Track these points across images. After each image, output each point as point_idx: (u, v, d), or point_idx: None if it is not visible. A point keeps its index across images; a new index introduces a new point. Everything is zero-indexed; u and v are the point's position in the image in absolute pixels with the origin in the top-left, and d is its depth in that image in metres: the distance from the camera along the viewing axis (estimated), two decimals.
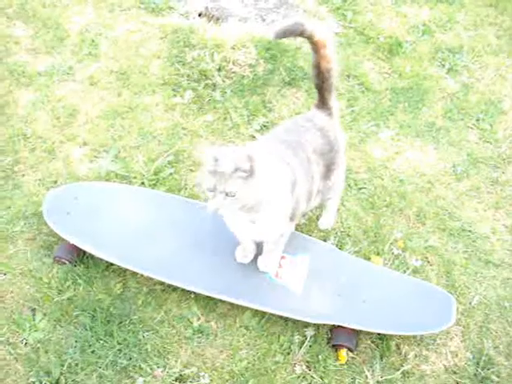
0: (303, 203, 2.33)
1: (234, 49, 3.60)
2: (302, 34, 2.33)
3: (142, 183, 2.96)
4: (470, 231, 3.01)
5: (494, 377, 2.52)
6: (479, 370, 2.53)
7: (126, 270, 2.61)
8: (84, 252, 2.61)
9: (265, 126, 3.31)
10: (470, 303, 2.74)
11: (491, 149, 3.45)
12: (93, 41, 3.73)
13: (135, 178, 2.98)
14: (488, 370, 2.53)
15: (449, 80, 3.86)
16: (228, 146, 2.00)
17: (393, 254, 2.83)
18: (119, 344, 2.43)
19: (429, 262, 2.85)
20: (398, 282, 2.65)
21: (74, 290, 2.58)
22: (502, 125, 3.60)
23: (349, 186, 3.09)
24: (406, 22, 4.22)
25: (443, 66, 3.95)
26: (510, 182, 3.28)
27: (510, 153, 3.45)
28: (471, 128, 3.56)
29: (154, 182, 2.97)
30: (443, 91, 3.76)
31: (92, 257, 2.61)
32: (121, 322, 2.49)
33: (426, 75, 3.85)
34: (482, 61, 4.05)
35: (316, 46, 2.37)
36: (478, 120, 3.60)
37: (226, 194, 1.97)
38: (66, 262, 2.62)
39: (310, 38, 2.35)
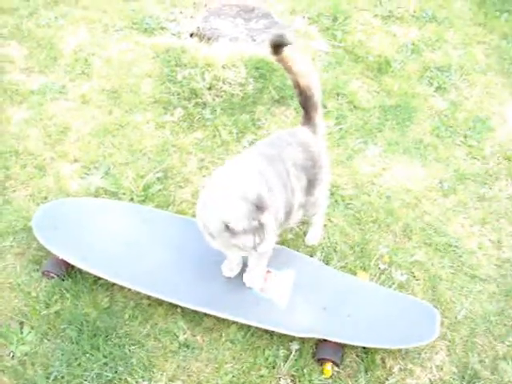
0: (281, 215, 2.35)
1: (224, 68, 3.66)
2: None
3: (131, 199, 2.99)
4: (456, 246, 3.03)
5: None
6: (464, 383, 2.54)
7: (113, 285, 2.63)
8: (72, 266, 2.63)
9: (254, 144, 3.34)
10: (456, 317, 2.75)
11: (478, 165, 3.49)
12: (86, 60, 3.79)
13: (124, 194, 3.01)
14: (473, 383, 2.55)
15: (437, 98, 3.91)
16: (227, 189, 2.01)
17: (379, 268, 2.85)
18: (105, 357, 2.44)
19: (415, 276, 2.87)
20: (384, 297, 2.67)
21: (62, 303, 2.59)
22: (490, 141, 3.65)
23: (336, 201, 3.12)
24: (395, 42, 4.29)
25: (431, 84, 4.01)
26: (496, 198, 3.31)
27: (497, 169, 3.49)
28: (459, 145, 3.60)
29: (142, 198, 3.00)
30: (431, 109, 3.81)
31: (80, 271, 2.64)
32: (107, 336, 2.51)
33: (415, 93, 3.90)
34: (471, 79, 4.11)
35: (284, 63, 2.45)
36: (465, 137, 3.65)
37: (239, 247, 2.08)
38: (55, 276, 2.65)
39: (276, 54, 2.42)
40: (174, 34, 4.05)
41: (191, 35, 4.03)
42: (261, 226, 2.01)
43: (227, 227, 2.01)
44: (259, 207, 1.99)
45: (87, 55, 3.84)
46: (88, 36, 3.99)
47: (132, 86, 3.64)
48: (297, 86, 2.47)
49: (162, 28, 4.11)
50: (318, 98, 2.52)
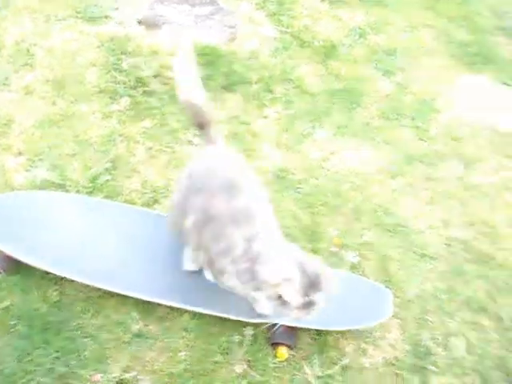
0: None
1: (170, 55, 3.62)
2: None
3: (78, 191, 2.93)
4: (405, 226, 3.08)
5: (431, 367, 2.58)
6: (417, 360, 2.58)
7: (62, 278, 2.57)
8: (20, 261, 2.58)
9: None
10: (407, 296, 2.79)
11: (426, 146, 3.55)
12: (28, 51, 3.69)
13: (71, 185, 2.95)
14: (426, 360, 2.59)
15: (384, 81, 3.96)
16: None
17: (330, 251, 2.88)
18: (57, 352, 2.40)
19: (365, 257, 2.91)
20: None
21: (11, 299, 2.53)
22: (436, 123, 3.71)
23: (286, 186, 3.13)
24: (341, 26, 4.32)
25: (378, 67, 4.04)
26: (444, 178, 3.37)
27: (445, 150, 3.55)
28: (406, 127, 3.65)
29: (90, 190, 2.95)
30: (378, 92, 3.86)
31: (28, 266, 2.58)
32: (58, 330, 2.46)
33: (362, 77, 3.94)
34: (417, 62, 4.16)
35: None
36: (412, 119, 3.70)
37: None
38: (2, 272, 2.59)
39: None
40: (118, 23, 3.97)
41: (139, 23, 3.96)
42: (311, 303, 1.99)
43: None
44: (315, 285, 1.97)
45: (30, 46, 3.73)
46: (31, 26, 3.88)
47: (77, 76, 3.56)
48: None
49: (107, 16, 4.02)
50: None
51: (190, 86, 2.28)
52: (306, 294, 1.95)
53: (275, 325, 2.49)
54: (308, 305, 1.98)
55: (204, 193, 2.12)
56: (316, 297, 1.97)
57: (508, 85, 4.18)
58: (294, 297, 1.95)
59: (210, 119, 2.32)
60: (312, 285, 1.95)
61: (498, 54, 4.45)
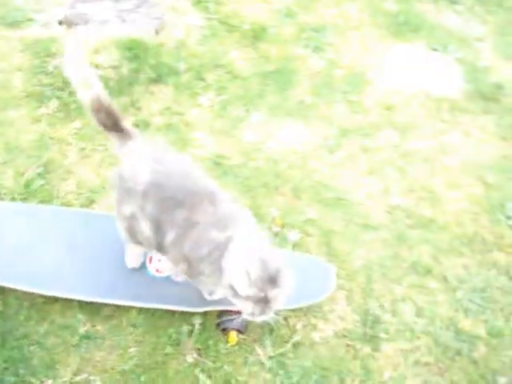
0: None
1: (95, 53, 3.58)
2: None
3: (13, 198, 2.88)
4: (345, 199, 3.10)
5: (382, 334, 2.61)
6: (367, 329, 2.61)
7: (3, 288, 2.53)
8: None
9: (136, 125, 3.29)
10: (352, 267, 2.82)
11: (360, 118, 3.58)
12: None
13: (6, 193, 2.90)
14: (376, 328, 2.62)
15: (315, 58, 3.97)
16: None
17: (272, 231, 2.88)
18: (5, 362, 2.36)
19: (308, 234, 2.92)
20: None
21: None
22: (369, 94, 3.75)
23: (224, 172, 3.12)
24: (268, 8, 4.31)
25: (308, 45, 4.06)
26: (380, 148, 3.41)
27: (379, 120, 3.59)
28: (340, 101, 3.67)
29: (25, 196, 2.89)
30: (310, 70, 3.87)
31: None
32: (4, 340, 2.42)
33: (292, 56, 3.95)
34: (346, 36, 4.19)
35: None
36: (345, 93, 3.73)
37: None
38: None
39: None
40: (42, 25, 3.90)
41: (59, 23, 3.89)
42: (266, 300, 1.95)
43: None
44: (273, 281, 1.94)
45: None
46: None
47: (2, 82, 3.49)
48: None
49: (30, 20, 3.94)
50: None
51: (90, 84, 2.21)
52: (263, 290, 1.92)
53: (225, 311, 2.50)
54: (263, 300, 1.95)
55: (185, 205, 2.08)
56: (272, 293, 1.94)
57: (438, 50, 4.23)
58: (245, 287, 1.92)
59: (120, 114, 2.27)
60: (270, 280, 1.92)
61: (426, 21, 4.50)
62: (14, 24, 3.91)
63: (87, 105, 2.23)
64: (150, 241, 2.23)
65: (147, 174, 2.12)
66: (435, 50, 4.24)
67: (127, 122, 2.30)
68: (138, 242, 2.34)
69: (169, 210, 2.11)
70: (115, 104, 2.28)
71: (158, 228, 2.15)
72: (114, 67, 3.56)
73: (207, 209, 2.07)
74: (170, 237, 2.14)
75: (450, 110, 3.74)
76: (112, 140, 2.31)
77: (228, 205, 2.12)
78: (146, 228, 2.18)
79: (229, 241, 2.02)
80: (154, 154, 2.21)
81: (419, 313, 2.71)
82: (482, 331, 2.66)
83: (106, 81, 3.47)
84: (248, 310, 2.00)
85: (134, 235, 2.30)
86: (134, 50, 3.65)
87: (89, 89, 2.21)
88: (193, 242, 2.09)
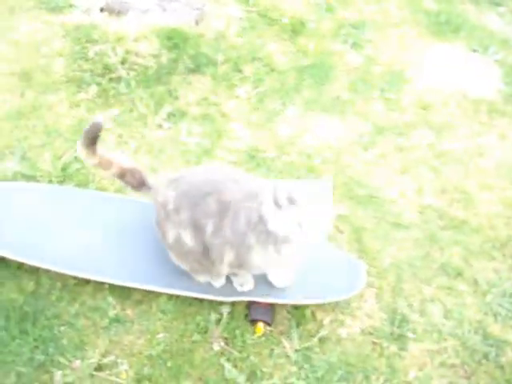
0: None
1: (136, 41, 3.62)
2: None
3: (50, 181, 2.93)
4: (378, 197, 3.09)
5: (409, 334, 2.59)
6: (395, 328, 2.59)
7: (38, 268, 2.58)
8: None
9: (172, 115, 3.34)
10: (383, 266, 2.81)
11: (396, 116, 3.57)
12: None
13: (42, 176, 2.95)
14: (403, 327, 2.60)
15: (353, 54, 3.97)
16: None
17: None
18: (35, 340, 2.41)
19: (339, 230, 2.92)
20: (310, 253, 2.70)
21: None
22: (406, 93, 3.73)
23: (257, 165, 3.14)
24: (307, 2, 4.30)
25: (347, 41, 4.05)
26: (415, 147, 3.39)
27: (415, 119, 3.57)
28: (376, 99, 3.66)
29: (61, 179, 2.94)
30: (347, 66, 3.87)
31: (3, 258, 2.58)
32: (35, 319, 2.47)
33: (330, 52, 3.95)
34: (385, 33, 4.17)
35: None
36: (382, 90, 3.71)
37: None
38: None
39: None
40: (83, 11, 3.95)
41: (101, 10, 3.94)
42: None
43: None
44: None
45: None
46: None
47: (43, 67, 3.54)
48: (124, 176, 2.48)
49: (71, 5, 4.00)
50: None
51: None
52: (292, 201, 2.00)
53: (254, 303, 2.52)
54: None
55: (212, 193, 2.21)
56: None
57: (478, 51, 4.19)
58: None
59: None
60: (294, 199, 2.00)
61: (468, 22, 4.46)
62: (56, 9, 3.97)
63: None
64: (196, 254, 2.32)
65: (172, 191, 2.29)
66: (475, 51, 4.20)
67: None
68: (195, 269, 2.45)
69: (200, 204, 2.21)
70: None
71: (197, 228, 2.24)
72: (154, 56, 3.60)
73: (233, 187, 2.20)
74: (209, 229, 2.21)
75: (488, 112, 3.70)
76: (141, 195, 2.52)
77: (251, 181, 2.27)
78: (187, 238, 2.28)
79: (260, 204, 2.10)
80: (170, 178, 2.39)
81: (447, 314, 2.68)
82: (510, 336, 2.64)
83: (145, 69, 3.53)
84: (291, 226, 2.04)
85: (185, 257, 2.40)
86: (174, 40, 3.68)
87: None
88: (230, 220, 2.17)
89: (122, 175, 2.46)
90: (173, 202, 2.27)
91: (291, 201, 1.98)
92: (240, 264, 2.28)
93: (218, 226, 2.20)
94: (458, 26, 4.36)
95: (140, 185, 2.46)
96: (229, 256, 2.25)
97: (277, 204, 2.00)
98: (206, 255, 2.30)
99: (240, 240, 2.18)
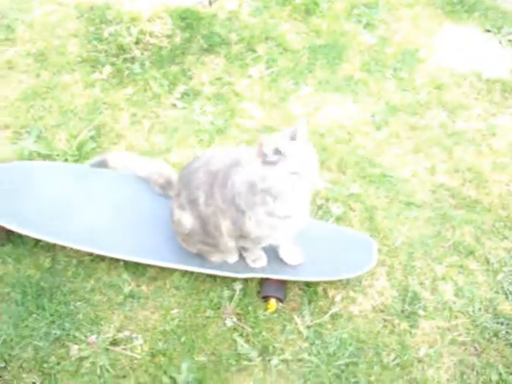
0: None
1: (149, 21, 3.64)
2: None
3: (66, 160, 2.97)
4: (390, 176, 3.10)
5: (420, 311, 2.61)
6: (406, 306, 2.62)
7: (54, 245, 2.63)
8: (11, 231, 2.62)
9: (186, 94, 3.36)
10: (394, 244, 2.83)
11: (409, 96, 3.56)
12: (9, 26, 3.71)
13: (58, 155, 2.99)
14: (414, 305, 2.63)
15: (366, 35, 3.95)
16: None
17: (316, 204, 2.91)
18: (51, 316, 2.46)
19: (352, 208, 2.94)
20: (322, 231, 2.73)
21: (4, 268, 2.59)
22: (419, 73, 3.72)
23: None
24: None
25: (360, 21, 4.04)
26: (428, 127, 3.39)
27: (428, 98, 3.56)
28: (389, 78, 3.66)
29: (76, 158, 2.99)
30: (360, 45, 3.86)
31: (20, 235, 2.63)
32: (52, 295, 2.52)
33: (343, 32, 3.94)
34: (398, 14, 4.15)
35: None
36: (395, 70, 3.71)
37: None
38: None
39: None
40: None
41: None
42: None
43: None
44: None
45: (10, 21, 3.75)
46: (8, 1, 3.89)
47: (58, 48, 3.58)
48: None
49: None
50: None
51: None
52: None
53: (266, 279, 2.55)
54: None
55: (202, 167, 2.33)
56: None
57: (491, 32, 4.16)
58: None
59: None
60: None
61: (481, 2, 4.42)
62: None
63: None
64: (198, 234, 2.40)
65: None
66: (489, 31, 4.17)
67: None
68: (204, 250, 2.52)
69: (192, 180, 2.33)
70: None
71: (192, 203, 2.33)
72: (168, 36, 3.62)
73: (220, 157, 2.32)
74: (201, 199, 2.30)
75: (501, 92, 3.68)
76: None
77: (243, 150, 2.34)
78: (186, 219, 2.38)
79: (244, 167, 2.16)
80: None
81: (458, 293, 2.70)
82: None
83: (158, 49, 3.55)
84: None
85: (190, 240, 2.48)
86: (188, 20, 3.70)
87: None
88: (218, 187, 2.25)
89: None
90: (176, 189, 2.43)
91: (277, 152, 2.00)
92: (240, 233, 2.30)
93: (208, 194, 2.26)
94: (471, 6, 4.32)
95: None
96: (225, 225, 2.29)
97: (265, 161, 2.03)
98: (205, 231, 2.35)
99: (230, 205, 2.22)
